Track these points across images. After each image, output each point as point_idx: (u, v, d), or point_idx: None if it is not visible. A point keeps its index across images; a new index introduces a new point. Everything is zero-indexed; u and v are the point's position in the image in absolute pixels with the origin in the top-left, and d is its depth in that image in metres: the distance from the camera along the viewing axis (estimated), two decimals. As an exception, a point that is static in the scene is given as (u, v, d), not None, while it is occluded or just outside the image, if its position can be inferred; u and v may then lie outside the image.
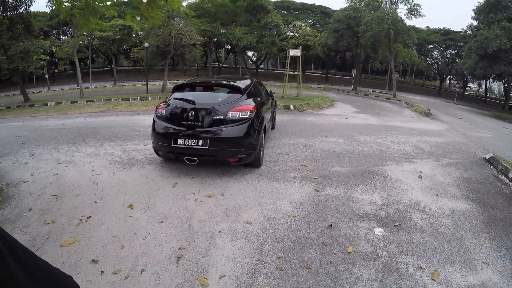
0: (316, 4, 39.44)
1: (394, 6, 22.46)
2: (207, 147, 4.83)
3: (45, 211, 4.07)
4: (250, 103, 5.21)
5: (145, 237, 3.42)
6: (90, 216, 3.88)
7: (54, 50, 20.18)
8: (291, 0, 39.77)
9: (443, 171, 6.23)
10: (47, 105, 18.33)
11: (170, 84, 31.06)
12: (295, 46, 29.69)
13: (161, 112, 5.30)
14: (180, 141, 4.91)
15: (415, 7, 22.40)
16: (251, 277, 2.82)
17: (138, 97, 18.94)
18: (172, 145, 4.95)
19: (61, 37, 20.69)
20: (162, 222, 3.75)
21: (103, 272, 2.86)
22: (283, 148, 7.34)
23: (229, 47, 38.37)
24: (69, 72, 37.21)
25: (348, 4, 25.24)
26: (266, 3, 27.22)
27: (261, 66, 52.36)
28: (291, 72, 19.08)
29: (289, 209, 4.18)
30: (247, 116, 4.98)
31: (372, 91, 26.11)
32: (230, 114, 4.89)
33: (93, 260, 3.01)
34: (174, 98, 5.35)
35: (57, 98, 21.20)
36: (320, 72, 40.38)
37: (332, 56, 36.95)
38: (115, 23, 26.97)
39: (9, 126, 11.93)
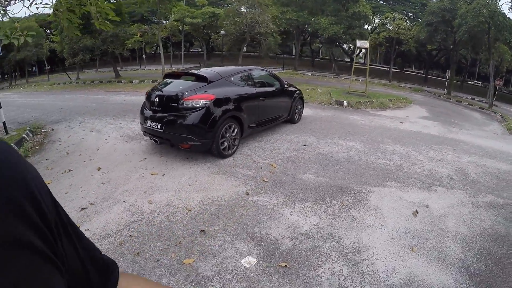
0: None
1: (495, -4, 17.12)
2: (162, 131, 5.14)
3: (54, 162, 5.46)
4: (210, 93, 5.17)
5: (84, 188, 4.33)
6: (71, 170, 5.00)
7: (135, 36, 22.07)
8: None
9: (466, 212, 4.25)
10: (132, 82, 20.24)
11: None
12: (386, 40, 26.13)
13: (145, 97, 5.88)
14: (148, 123, 5.38)
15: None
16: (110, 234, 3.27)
17: None
18: (144, 125, 5.51)
19: (148, 24, 22.43)
20: (103, 184, 4.44)
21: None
22: (277, 144, 6.48)
23: (307, 37, 36.19)
24: (170, 53, 40.82)
25: None
26: None
27: (361, 60, 48.47)
28: (360, 66, 16.60)
29: (195, 203, 3.93)
30: (200, 105, 5.02)
31: (471, 98, 20.93)
32: (184, 102, 5.03)
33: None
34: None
35: (144, 76, 23.37)
36: (422, 72, 34.51)
37: (432, 54, 31.16)
38: (206, 10, 28.15)
39: (87, 98, 14.14)
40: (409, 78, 31.97)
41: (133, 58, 37.04)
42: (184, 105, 5.01)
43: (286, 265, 2.80)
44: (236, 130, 5.59)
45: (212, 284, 2.56)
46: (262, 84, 6.80)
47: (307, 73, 30.24)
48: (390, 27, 25.37)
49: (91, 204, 3.83)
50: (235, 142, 5.66)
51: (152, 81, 19.95)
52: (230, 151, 5.52)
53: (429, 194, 4.65)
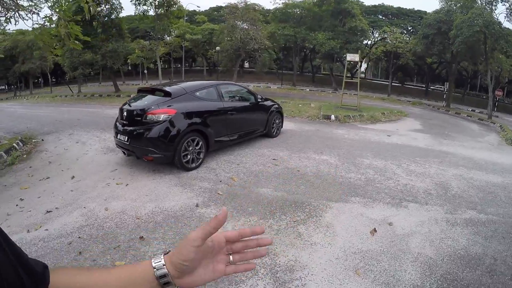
0: (416, 8, 33.21)
1: (490, 6, 16.52)
2: (128, 143, 5.27)
3: (35, 170, 5.71)
4: (172, 108, 5.23)
5: (55, 194, 4.55)
6: (49, 177, 5.25)
7: (136, 51, 22.31)
8: (385, 4, 34.70)
9: (436, 231, 3.70)
10: (130, 96, 20.21)
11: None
12: (384, 54, 25.77)
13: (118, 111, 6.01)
14: (118, 135, 5.56)
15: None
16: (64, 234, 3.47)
17: None
18: (116, 138, 5.72)
19: (148, 40, 22.74)
20: (72, 191, 4.65)
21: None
22: (247, 158, 6.22)
23: (308, 52, 36.13)
24: (169, 69, 40.99)
25: (441, 6, 20.01)
26: (351, 7, 24.17)
27: (362, 75, 48.08)
28: (352, 80, 16.18)
29: (146, 211, 3.94)
30: (162, 119, 5.09)
31: (471, 109, 20.15)
32: (147, 116, 5.13)
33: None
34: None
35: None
36: (423, 86, 33.83)
37: (432, 67, 30.52)
38: (205, 27, 28.46)
39: (83, 111, 14.18)
40: (410, 92, 31.34)
41: (136, 73, 37.50)
42: (147, 119, 5.13)
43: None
44: (200, 143, 5.53)
45: None
46: (232, 98, 6.77)
47: (306, 89, 29.96)
48: (389, 41, 25.01)
49: (56, 208, 4.08)
50: (200, 156, 5.57)
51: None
52: (194, 164, 5.41)
53: (397, 210, 4.10)
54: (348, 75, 39.98)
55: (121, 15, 20.16)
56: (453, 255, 3.14)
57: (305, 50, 37.37)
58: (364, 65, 42.34)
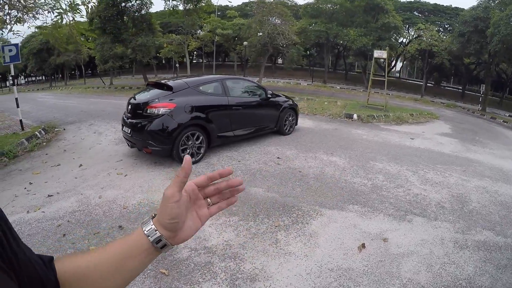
0: (453, 5, 30.46)
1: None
2: (131, 135, 5.39)
3: (50, 157, 6.03)
4: (172, 102, 5.23)
5: (60, 180, 4.79)
6: (59, 164, 5.52)
7: (165, 46, 22.54)
8: (422, 1, 32.18)
9: (439, 253, 3.26)
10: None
11: (264, 82, 30.71)
12: (418, 52, 24.12)
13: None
14: (123, 127, 5.71)
15: None
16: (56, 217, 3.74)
17: None
18: (122, 130, 5.86)
19: (175, 34, 22.92)
20: (76, 178, 4.84)
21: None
22: (250, 155, 6.07)
23: (341, 49, 34.76)
24: (205, 62, 41.33)
25: (478, 3, 18.10)
26: (384, 2, 22.67)
27: (398, 74, 45.53)
28: (380, 78, 15.25)
29: (134, 202, 4.01)
30: (161, 112, 5.10)
31: (509, 115, 18.23)
32: (148, 110, 5.17)
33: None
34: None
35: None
36: (460, 88, 31.28)
37: (470, 68, 28.03)
38: (236, 22, 28.22)
39: (109, 103, 14.68)
40: (445, 94, 29.11)
41: (169, 67, 38.24)
42: (148, 112, 5.17)
43: (165, 273, 2.64)
44: (201, 138, 5.47)
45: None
46: (239, 93, 6.59)
47: (336, 86, 28.95)
48: (424, 39, 23.31)
49: (57, 193, 4.27)
50: (200, 150, 5.50)
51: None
52: (193, 159, 5.32)
53: (398, 224, 3.65)
54: (381, 73, 38.29)
55: (152, 10, 20.50)
56: (452, 286, 2.68)
57: (338, 47, 36.04)
58: (399, 64, 40.23)
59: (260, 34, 19.78)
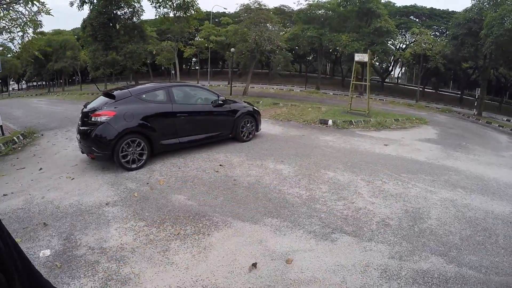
0: (450, 9, 29.39)
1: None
2: (80, 142, 5.54)
3: (20, 161, 6.19)
4: (112, 110, 5.29)
5: (19, 181, 4.92)
6: (24, 168, 5.67)
7: (153, 53, 22.14)
8: (418, 5, 31.38)
9: (355, 285, 2.50)
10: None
11: (257, 88, 29.91)
12: (413, 57, 23.21)
13: None
14: (77, 135, 5.79)
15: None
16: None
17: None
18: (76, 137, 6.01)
19: (164, 42, 22.59)
20: (32, 180, 5.00)
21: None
22: (195, 162, 5.67)
23: (338, 55, 34.13)
24: (202, 70, 40.70)
25: (472, 4, 17.19)
26: (376, 6, 21.99)
27: (398, 80, 44.35)
28: (361, 83, 14.41)
29: (67, 203, 4.09)
30: (102, 120, 5.19)
31: (507, 119, 17.07)
32: (92, 118, 5.26)
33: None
34: None
35: None
36: (459, 93, 30.05)
37: (468, 72, 26.89)
38: (230, 29, 27.75)
39: None
40: (443, 99, 27.94)
41: (168, 73, 37.80)
42: (92, 120, 5.26)
43: (57, 265, 2.76)
44: (142, 145, 5.41)
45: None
46: (186, 101, 6.43)
47: (329, 92, 28.20)
48: (418, 43, 22.33)
49: (12, 193, 4.48)
50: (142, 157, 5.43)
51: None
52: (135, 165, 5.32)
53: (315, 244, 2.92)
54: (376, 78, 37.29)
55: (148, 17, 20.23)
56: None
57: (335, 53, 35.40)
58: (397, 70, 39.34)
59: (242, 40, 19.21)
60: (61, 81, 39.12)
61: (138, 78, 30.56)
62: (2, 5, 6.48)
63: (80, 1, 20.38)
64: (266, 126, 9.19)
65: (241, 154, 6.03)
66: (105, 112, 5.28)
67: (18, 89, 52.37)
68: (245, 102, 7.78)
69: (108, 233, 3.27)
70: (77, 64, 31.19)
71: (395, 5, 30.73)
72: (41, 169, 5.54)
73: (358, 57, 12.30)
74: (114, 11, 20.61)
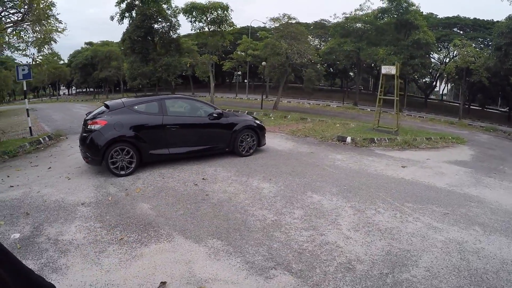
0: (495, 19, 25.75)
1: None
2: (80, 147, 5.86)
3: (38, 159, 6.80)
4: (104, 119, 5.51)
5: (29, 177, 5.48)
6: (37, 165, 6.23)
7: (187, 65, 22.65)
8: (461, 16, 28.28)
9: None
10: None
11: (294, 102, 28.99)
12: (456, 71, 20.87)
13: None
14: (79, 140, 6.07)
15: None
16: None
17: (246, 111, 17.90)
18: None
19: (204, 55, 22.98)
20: (38, 177, 5.47)
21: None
22: (181, 173, 5.56)
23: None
24: (244, 83, 40.95)
25: None
26: (413, 17, 20.19)
27: (444, 96, 40.55)
28: (388, 97, 13.05)
29: (52, 199, 4.41)
30: (95, 128, 5.44)
31: None
32: (89, 125, 5.53)
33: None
34: None
35: None
36: (508, 110, 26.21)
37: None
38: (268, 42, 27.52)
39: None
40: (490, 117, 24.52)
41: (207, 85, 38.85)
42: (89, 127, 5.51)
43: (18, 246, 3.12)
44: (131, 153, 5.53)
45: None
46: (179, 113, 6.41)
47: (367, 108, 26.51)
48: (460, 56, 20.03)
49: (17, 185, 4.99)
50: (131, 165, 5.54)
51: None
52: (123, 172, 5.45)
53: (244, 277, 2.53)
54: (421, 95, 34.43)
55: (185, 32, 20.91)
56: None
57: (376, 67, 33.64)
58: (442, 85, 36.09)
59: (280, 53, 18.79)
60: (108, 88, 41.77)
61: (179, 90, 31.54)
62: (7, 24, 6.89)
63: (120, 15, 21.80)
64: (277, 141, 8.61)
65: (232, 169, 5.59)
66: (98, 121, 5.51)
67: (68, 94, 57.17)
68: (251, 116, 7.51)
69: (68, 228, 3.53)
70: (121, 74, 33.05)
71: (437, 16, 28.32)
72: (49, 168, 6.03)
73: (385, 69, 11.20)
74: (152, 25, 21.67)
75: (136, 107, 5.90)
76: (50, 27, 7.59)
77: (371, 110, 26.20)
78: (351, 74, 39.29)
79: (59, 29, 7.73)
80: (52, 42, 7.96)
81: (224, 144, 6.51)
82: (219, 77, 46.93)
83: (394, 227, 3.54)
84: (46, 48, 8.22)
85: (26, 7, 7.22)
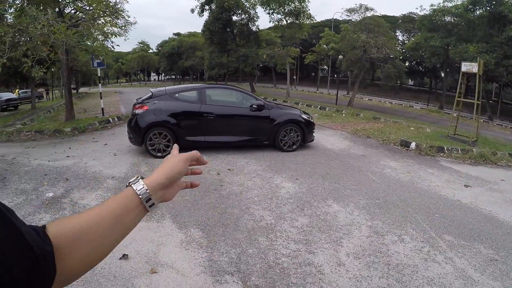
0: None
1: None
2: (127, 128, 6.31)
3: (101, 136, 7.62)
4: (147, 105, 5.91)
5: (86, 149, 6.36)
6: (97, 141, 7.00)
7: (264, 57, 22.46)
8: None
9: None
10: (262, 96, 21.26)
11: (375, 101, 26.65)
12: None
13: None
14: None
15: None
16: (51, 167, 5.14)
17: (319, 106, 17.15)
18: None
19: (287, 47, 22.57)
20: (93, 151, 6.22)
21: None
22: (214, 162, 5.60)
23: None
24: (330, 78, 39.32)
25: None
26: (508, 10, 15.72)
27: None
28: (467, 100, 10.67)
29: (92, 170, 4.97)
30: (137, 112, 5.88)
31: None
32: (134, 110, 6.01)
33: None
34: None
35: (270, 94, 23.12)
36: None
37: None
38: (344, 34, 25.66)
39: None
40: None
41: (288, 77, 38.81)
42: (134, 111, 5.99)
43: (46, 203, 3.66)
44: (168, 138, 5.81)
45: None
46: (218, 102, 6.40)
47: (453, 113, 22.89)
48: None
49: (73, 156, 5.69)
50: (168, 148, 5.77)
51: (273, 99, 19.49)
52: (160, 154, 5.77)
53: (196, 274, 2.34)
54: (508, 101, 27.68)
55: (264, 25, 21.29)
56: None
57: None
58: None
59: (350, 47, 17.34)
60: (194, 76, 44.80)
61: (262, 81, 31.70)
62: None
63: (200, 8, 22.83)
64: (332, 139, 8.10)
65: (264, 163, 5.49)
66: (141, 106, 5.94)
67: (158, 80, 62.81)
68: (301, 111, 7.20)
69: (89, 195, 3.88)
70: (203, 63, 35.00)
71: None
72: (105, 144, 6.56)
73: (465, 66, 9.20)
74: (230, 17, 22.21)
75: (177, 95, 6.18)
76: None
77: (457, 115, 22.45)
78: (442, 73, 34.23)
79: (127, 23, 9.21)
80: (120, 34, 9.32)
81: (263, 137, 6.38)
82: (303, 71, 46.11)
83: (410, 265, 2.83)
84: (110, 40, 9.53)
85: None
